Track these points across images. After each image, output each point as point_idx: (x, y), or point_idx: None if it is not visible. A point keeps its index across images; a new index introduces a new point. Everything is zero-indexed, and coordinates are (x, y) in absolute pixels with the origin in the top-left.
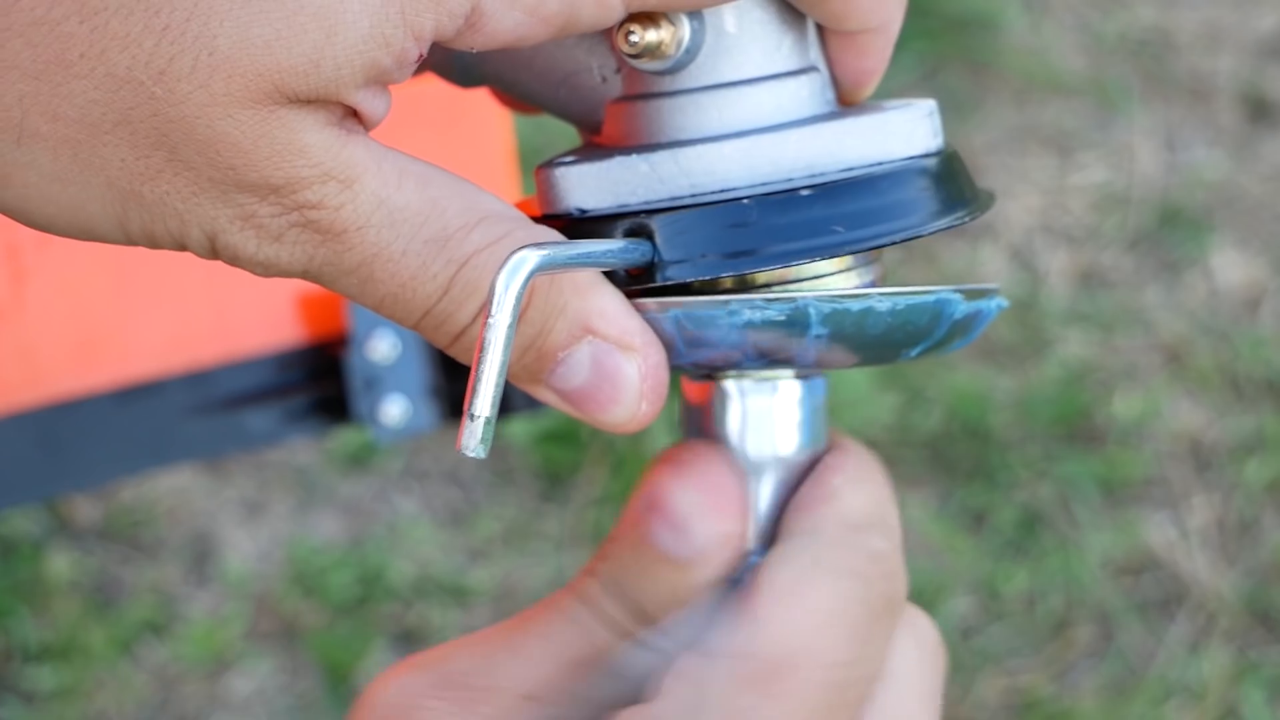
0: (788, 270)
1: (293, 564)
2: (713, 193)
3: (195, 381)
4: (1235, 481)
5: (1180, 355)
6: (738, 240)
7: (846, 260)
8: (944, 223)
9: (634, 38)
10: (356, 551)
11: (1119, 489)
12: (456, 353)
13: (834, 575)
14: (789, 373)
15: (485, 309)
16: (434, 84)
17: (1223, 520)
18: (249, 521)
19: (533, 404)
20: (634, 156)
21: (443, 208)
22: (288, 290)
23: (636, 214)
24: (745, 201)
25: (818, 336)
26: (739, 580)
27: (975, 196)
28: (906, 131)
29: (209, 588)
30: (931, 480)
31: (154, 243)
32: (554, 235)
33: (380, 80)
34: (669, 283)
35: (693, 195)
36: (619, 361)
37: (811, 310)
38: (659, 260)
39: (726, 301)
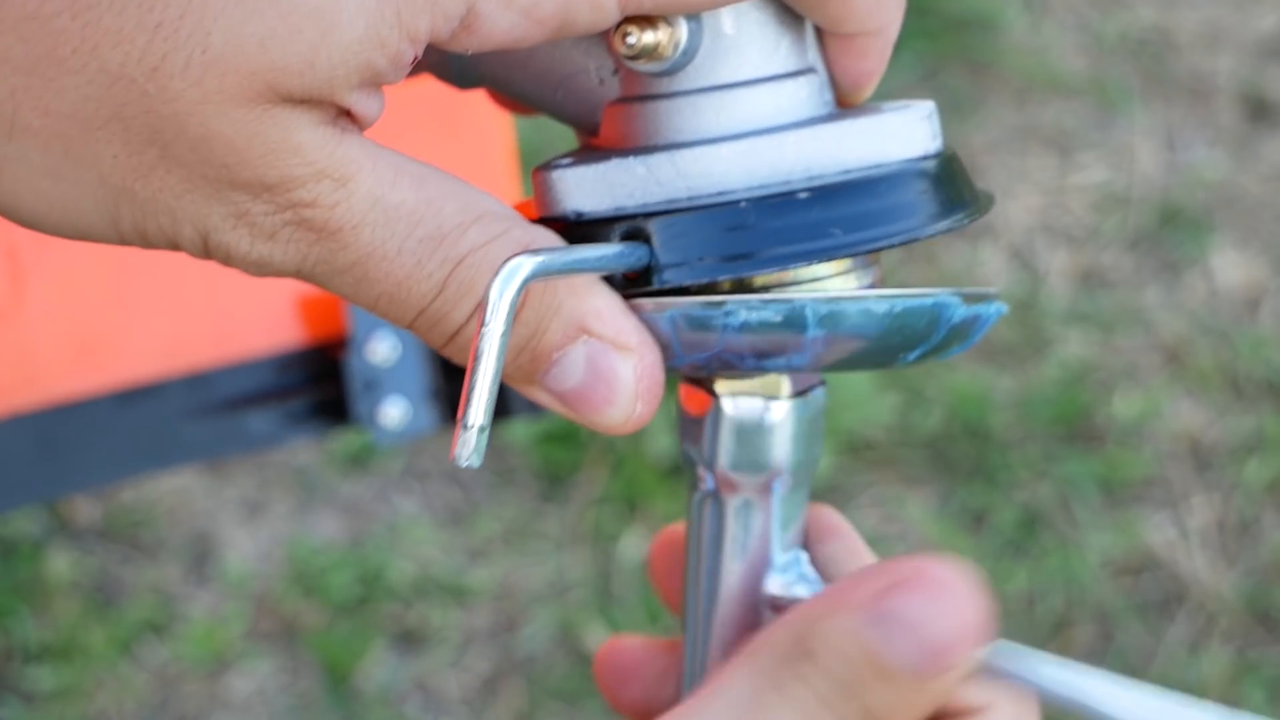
0: (785, 273)
1: (293, 564)
2: (710, 195)
3: (195, 384)
4: (1235, 481)
5: (1180, 355)
6: (735, 243)
7: (845, 263)
8: (943, 225)
9: (631, 39)
10: (356, 551)
11: (1119, 489)
12: (451, 353)
13: None
14: (786, 379)
15: (479, 317)
16: (435, 85)
17: (1223, 520)
18: (249, 521)
19: (533, 406)
20: (631, 159)
21: (438, 207)
22: (287, 292)
23: (633, 217)
24: (743, 204)
25: (814, 338)
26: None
27: (974, 198)
28: (905, 133)
29: (209, 588)
30: (931, 480)
31: (146, 240)
32: (550, 235)
33: (375, 81)
34: (666, 286)
35: (690, 198)
36: (614, 362)
37: (808, 311)
38: (656, 263)
39: (722, 302)
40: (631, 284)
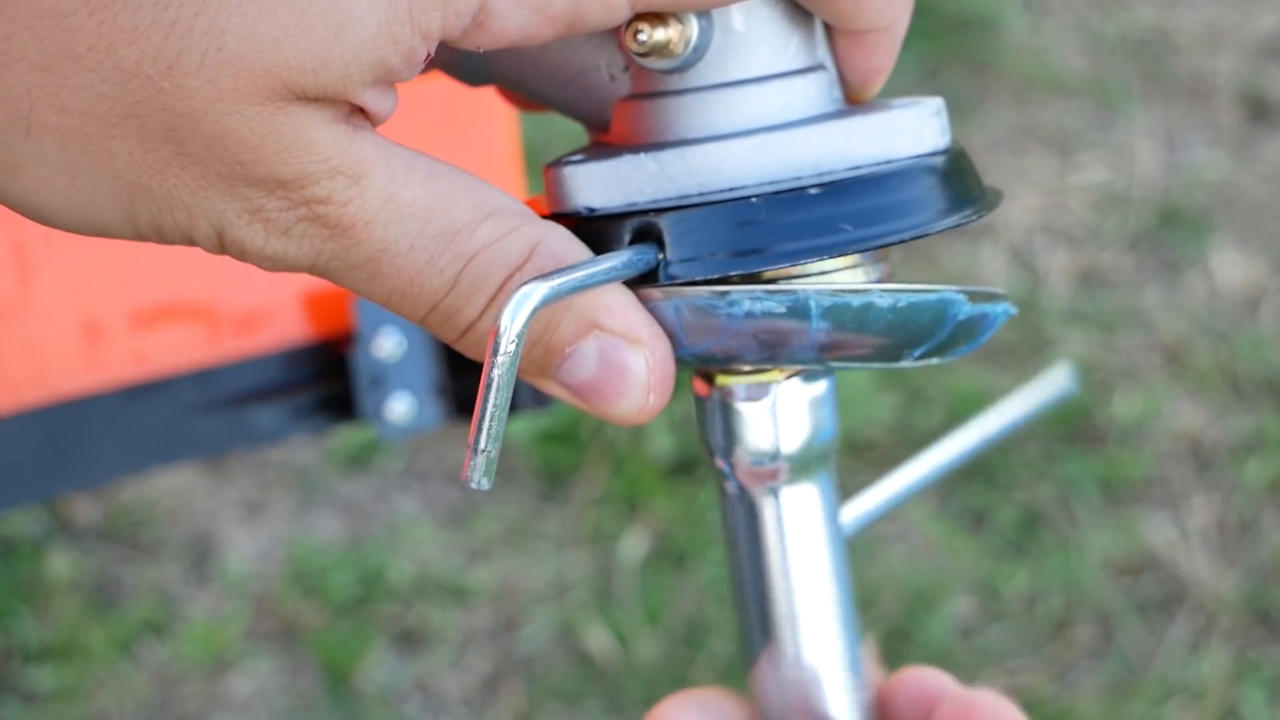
0: (795, 269)
1: (293, 564)
2: (721, 191)
3: (201, 379)
4: (1235, 481)
5: (1180, 355)
6: (746, 238)
7: (854, 258)
8: (952, 221)
9: (642, 36)
10: (356, 551)
11: (1119, 489)
12: (464, 347)
13: None
14: (795, 370)
15: (490, 343)
16: (439, 82)
17: (1223, 520)
18: (249, 521)
19: (535, 403)
20: (642, 155)
21: (450, 203)
22: (294, 287)
23: (644, 213)
24: (753, 200)
25: (818, 330)
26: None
27: (983, 194)
28: (914, 130)
29: (209, 588)
30: None
31: (162, 236)
32: (561, 230)
33: (388, 79)
34: (676, 281)
35: (701, 194)
36: (626, 355)
37: (812, 303)
38: (667, 259)
39: (727, 292)
40: (642, 279)
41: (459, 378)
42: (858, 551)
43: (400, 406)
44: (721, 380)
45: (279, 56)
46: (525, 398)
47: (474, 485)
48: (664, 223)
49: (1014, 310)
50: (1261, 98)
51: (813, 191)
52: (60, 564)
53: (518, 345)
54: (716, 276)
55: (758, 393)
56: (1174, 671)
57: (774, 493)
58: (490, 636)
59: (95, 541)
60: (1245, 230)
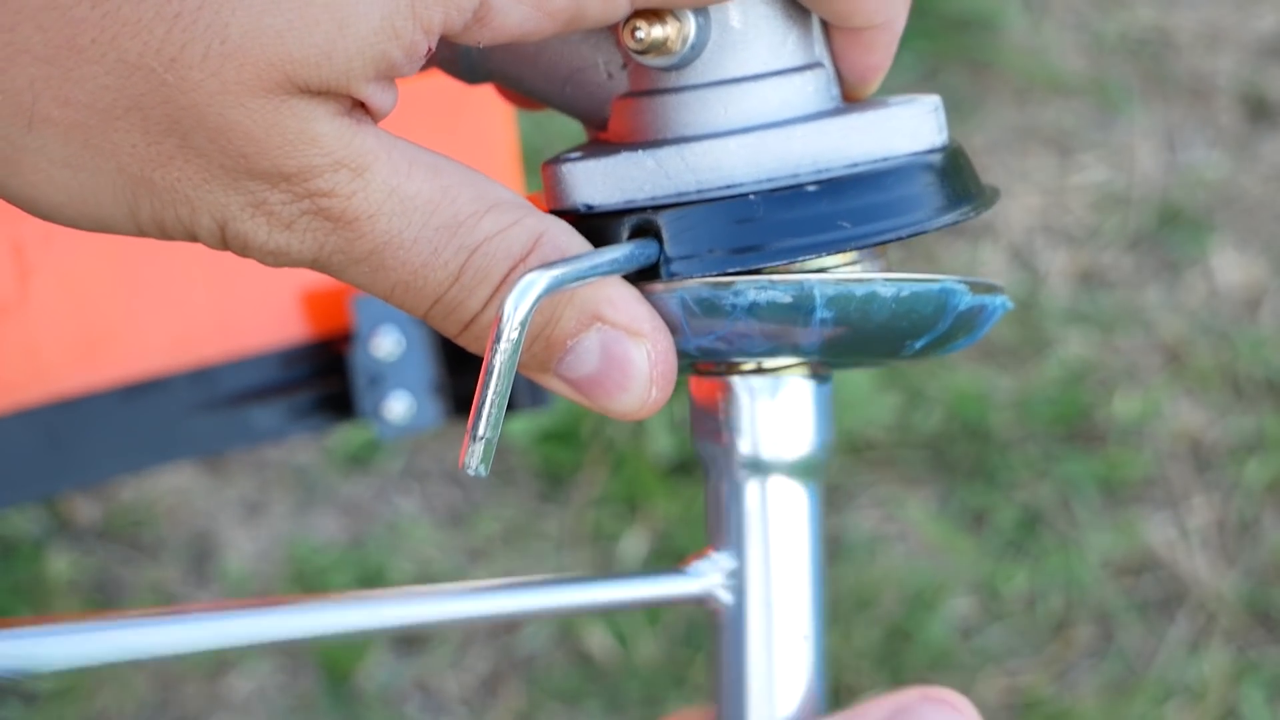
0: (793, 266)
1: (293, 564)
2: (719, 188)
3: (200, 378)
4: (1235, 481)
5: (1180, 355)
6: (744, 236)
7: (852, 255)
8: (950, 218)
9: (640, 34)
10: (356, 551)
11: (1119, 489)
12: (466, 341)
13: None
14: (798, 367)
15: (492, 331)
16: (438, 80)
17: (1223, 520)
18: (249, 521)
19: (534, 402)
20: (640, 152)
21: (453, 196)
22: (292, 286)
23: (643, 210)
24: (751, 197)
25: (822, 320)
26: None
27: (980, 191)
28: (911, 127)
29: (209, 588)
30: (931, 480)
31: (164, 231)
32: (562, 224)
33: (390, 73)
34: (675, 278)
35: (699, 191)
36: (628, 348)
37: (816, 292)
38: (665, 255)
39: (731, 283)
40: (641, 277)
41: (458, 377)
42: (858, 551)
43: (399, 406)
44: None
45: (282, 50)
46: (524, 397)
47: (471, 472)
48: (662, 220)
49: (1011, 304)
50: (1261, 98)
51: (811, 189)
52: (60, 564)
53: (520, 333)
54: (715, 274)
55: (754, 389)
56: (1174, 671)
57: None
58: (490, 636)
59: (95, 541)
60: (1245, 230)
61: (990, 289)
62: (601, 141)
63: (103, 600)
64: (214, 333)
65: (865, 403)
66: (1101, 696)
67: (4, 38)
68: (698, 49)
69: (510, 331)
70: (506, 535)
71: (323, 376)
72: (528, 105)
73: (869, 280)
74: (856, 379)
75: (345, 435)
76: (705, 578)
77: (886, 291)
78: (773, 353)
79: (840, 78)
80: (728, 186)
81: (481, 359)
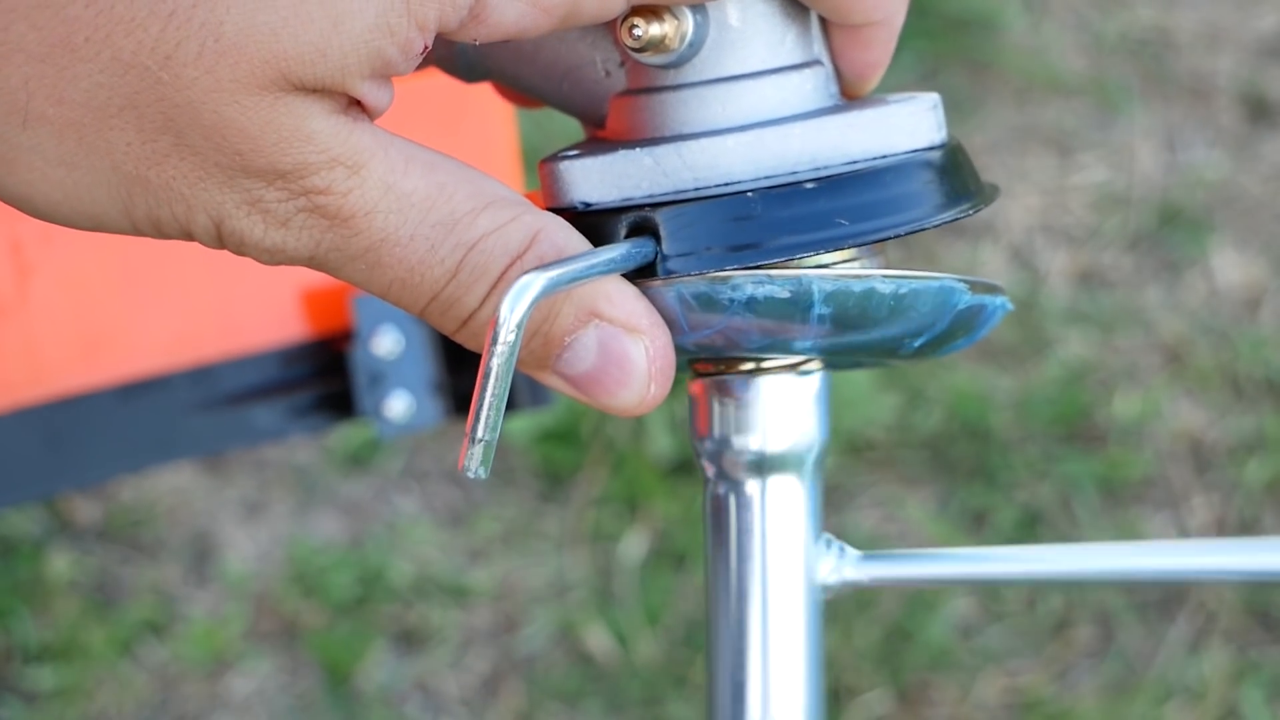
0: (791, 264)
1: (293, 564)
2: (716, 186)
3: (199, 377)
4: (1235, 481)
5: (1180, 355)
6: (742, 233)
7: (851, 253)
8: (949, 215)
9: (637, 31)
10: (356, 551)
11: (1119, 489)
12: (464, 338)
13: None
14: (795, 364)
15: (489, 334)
16: (438, 79)
17: (1223, 520)
18: (249, 521)
19: (534, 401)
20: (638, 150)
21: (450, 192)
22: (292, 285)
23: (640, 208)
24: (749, 195)
25: (820, 316)
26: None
27: (980, 189)
28: (910, 125)
29: (209, 588)
30: (931, 480)
31: (159, 230)
32: (559, 221)
33: (385, 71)
34: (673, 276)
35: (696, 189)
36: (626, 345)
37: (814, 287)
38: (663, 254)
39: (729, 277)
40: (639, 274)
41: (458, 375)
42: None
43: (399, 405)
44: (714, 374)
45: (277, 47)
46: (523, 396)
47: (471, 474)
48: (660, 218)
49: (1011, 305)
50: (1261, 98)
51: (809, 186)
52: (60, 564)
53: (517, 335)
54: (713, 271)
55: (749, 387)
56: (1174, 671)
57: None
58: (490, 636)
59: (95, 541)
60: (1245, 230)
61: (990, 289)
62: (599, 139)
63: (103, 600)
64: (214, 332)
65: (865, 403)
66: (1101, 696)
67: None
68: (695, 46)
69: (506, 334)
70: (506, 535)
71: (323, 375)
72: (526, 103)
73: (868, 276)
74: (856, 379)
75: (345, 435)
76: None
77: (885, 288)
78: (771, 349)
79: (839, 75)
80: (725, 184)
81: (479, 359)
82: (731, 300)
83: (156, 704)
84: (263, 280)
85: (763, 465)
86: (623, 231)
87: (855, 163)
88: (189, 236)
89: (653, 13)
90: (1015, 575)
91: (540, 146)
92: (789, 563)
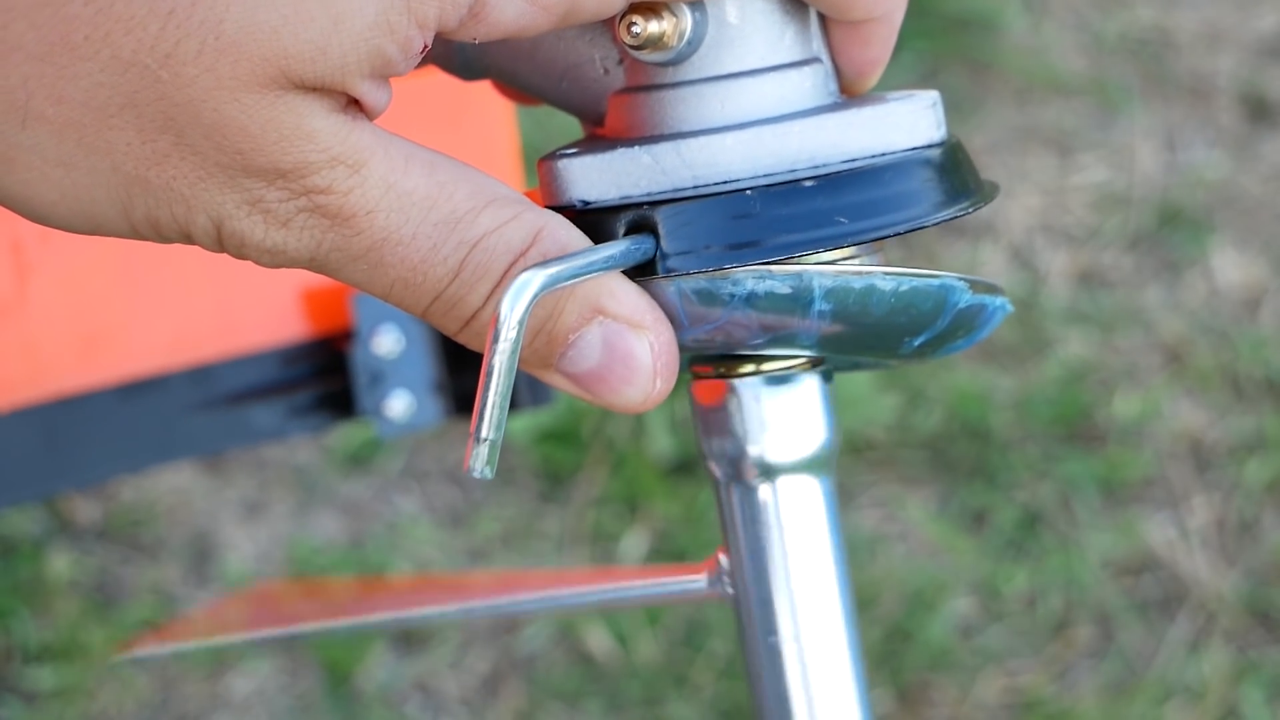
0: (790, 262)
1: (293, 564)
2: (715, 184)
3: (199, 377)
4: (1235, 481)
5: (1180, 355)
6: (741, 231)
7: (849, 251)
8: (948, 213)
9: (636, 29)
10: (356, 551)
11: (1119, 489)
12: (467, 339)
13: None
14: (799, 365)
15: (490, 332)
16: (438, 78)
17: (1223, 520)
18: (249, 521)
19: (535, 400)
20: (636, 148)
21: (450, 191)
22: (292, 284)
23: (639, 206)
24: (748, 193)
25: (820, 312)
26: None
27: (979, 187)
28: (909, 122)
29: (209, 588)
30: (931, 480)
31: (158, 231)
32: (560, 219)
33: (385, 70)
34: (672, 274)
35: (695, 187)
36: (631, 341)
37: (815, 283)
38: (662, 252)
39: (729, 273)
40: (637, 272)
41: (458, 375)
42: (858, 551)
43: (399, 404)
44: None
45: (278, 45)
46: (523, 395)
47: (476, 474)
48: (659, 216)
49: (1011, 307)
50: (1261, 98)
51: (808, 184)
52: (60, 564)
53: (518, 333)
54: (712, 269)
55: (751, 391)
56: (1174, 671)
57: (772, 493)
58: (490, 636)
59: (95, 541)
60: (1245, 230)
61: (991, 289)
62: (598, 137)
63: (103, 600)
64: (213, 331)
65: (865, 403)
66: (1101, 696)
67: None
68: (694, 44)
69: (508, 331)
70: (506, 535)
71: (323, 375)
72: (525, 100)
73: (868, 273)
74: (856, 379)
75: (345, 434)
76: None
77: (886, 285)
78: (771, 345)
79: (838, 72)
80: (724, 182)
81: (480, 359)
82: (732, 295)
83: (156, 704)
84: (262, 279)
85: (772, 468)
86: (622, 230)
87: (854, 160)
88: (188, 239)
89: (651, 10)
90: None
91: (541, 144)
92: (816, 564)
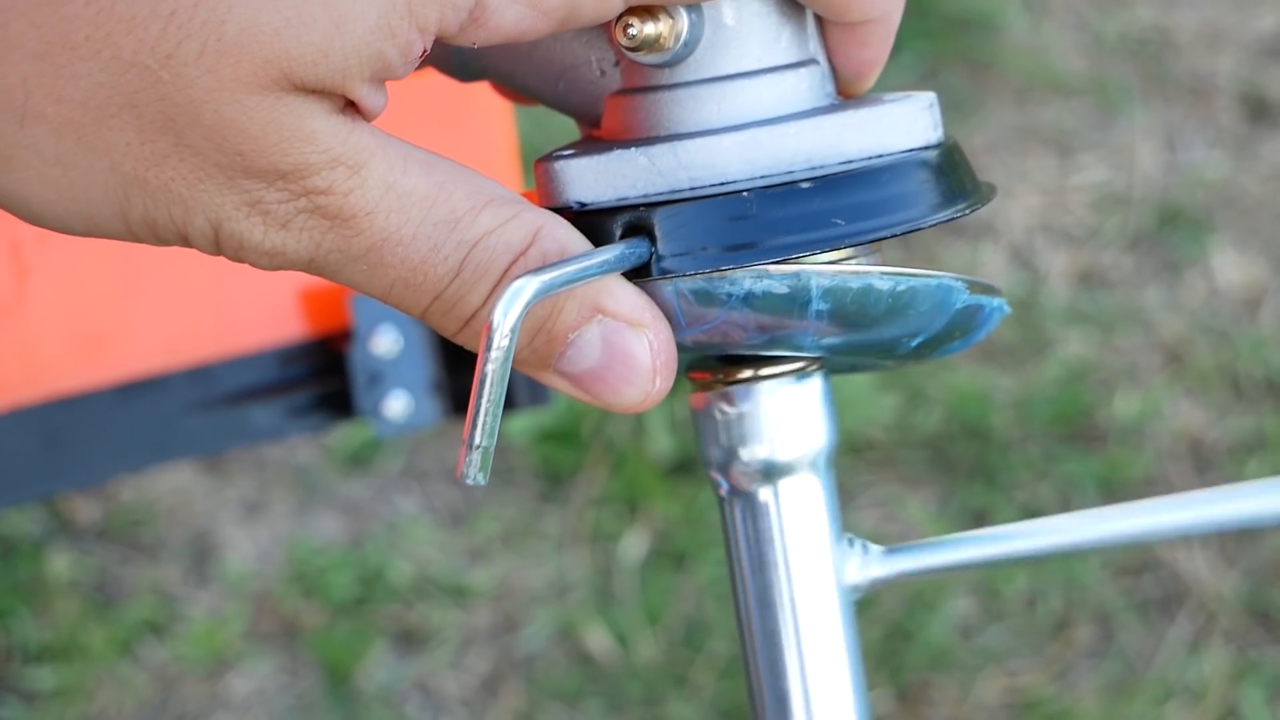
0: (786, 264)
1: (293, 564)
2: (712, 186)
3: (198, 377)
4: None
5: (1180, 355)
6: (737, 233)
7: (847, 253)
8: (945, 215)
9: (632, 31)
10: (356, 551)
11: (1119, 489)
12: (466, 339)
13: None
14: (793, 370)
15: (483, 339)
16: (437, 79)
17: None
18: (249, 521)
19: (534, 400)
20: (633, 150)
21: (449, 191)
22: (290, 286)
23: (636, 207)
24: (745, 194)
25: (818, 312)
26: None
27: (976, 188)
28: (906, 124)
29: (209, 588)
30: (931, 480)
31: (155, 233)
32: (557, 219)
33: (384, 74)
34: (669, 276)
35: (692, 188)
36: (630, 340)
37: (813, 283)
38: (658, 254)
39: (727, 272)
40: (634, 275)
41: (456, 375)
42: None
43: (398, 404)
44: (716, 385)
45: (279, 47)
46: (522, 396)
47: (470, 481)
48: (655, 217)
49: (1009, 309)
50: (1261, 98)
51: (804, 186)
52: (60, 564)
53: (511, 340)
54: (708, 271)
55: (750, 396)
56: (1174, 671)
57: (772, 494)
58: (490, 636)
59: (95, 541)
60: (1245, 230)
61: (988, 290)
62: (595, 139)
63: (103, 600)
64: (212, 331)
65: (865, 403)
66: (1101, 696)
67: None
68: (691, 46)
69: (501, 338)
70: (506, 535)
71: (322, 375)
72: (523, 100)
73: (866, 273)
74: (856, 379)
75: (345, 434)
76: None
77: (883, 285)
78: (768, 346)
79: (835, 74)
80: (721, 184)
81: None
82: (729, 295)
83: (156, 704)
84: (261, 280)
85: (773, 472)
86: (618, 231)
87: (851, 162)
88: (185, 241)
89: (648, 12)
90: (1030, 550)
91: (539, 145)
92: (816, 568)
